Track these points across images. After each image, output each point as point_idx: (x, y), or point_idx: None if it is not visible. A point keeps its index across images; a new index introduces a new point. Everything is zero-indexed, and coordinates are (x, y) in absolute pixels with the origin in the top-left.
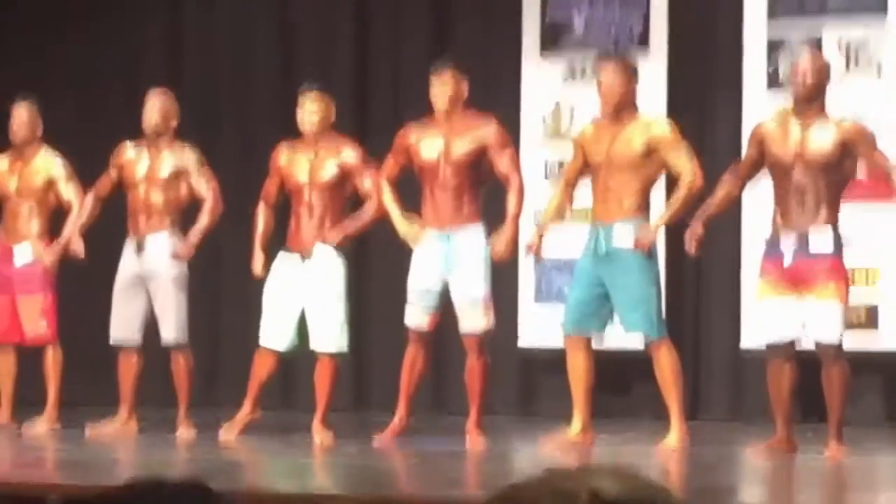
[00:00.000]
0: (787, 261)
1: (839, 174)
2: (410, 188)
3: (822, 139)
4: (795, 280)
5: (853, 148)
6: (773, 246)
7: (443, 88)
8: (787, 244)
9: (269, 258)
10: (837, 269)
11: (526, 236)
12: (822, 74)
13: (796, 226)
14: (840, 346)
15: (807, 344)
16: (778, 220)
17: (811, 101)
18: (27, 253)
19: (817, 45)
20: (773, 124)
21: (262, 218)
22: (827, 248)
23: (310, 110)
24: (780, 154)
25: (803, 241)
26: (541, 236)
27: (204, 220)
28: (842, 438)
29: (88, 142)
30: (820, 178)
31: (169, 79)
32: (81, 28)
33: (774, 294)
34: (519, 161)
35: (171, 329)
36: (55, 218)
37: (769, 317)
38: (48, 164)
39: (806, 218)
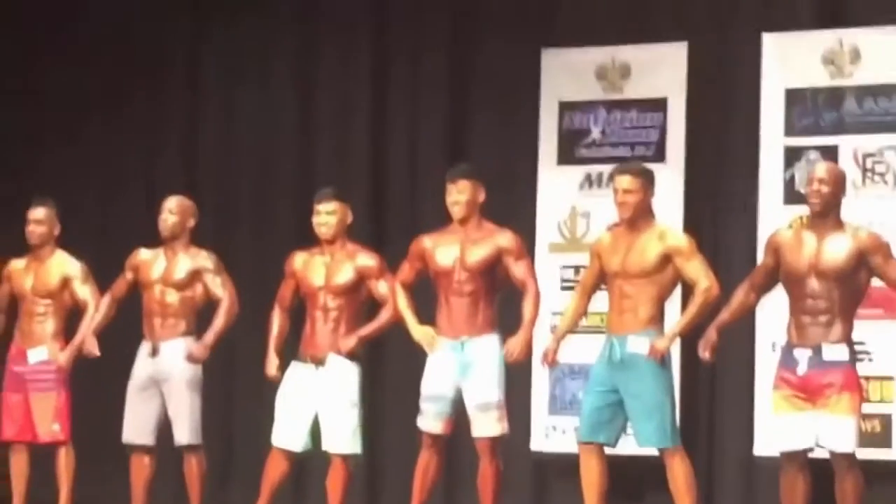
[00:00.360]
0: (802, 369)
1: (854, 285)
2: (426, 297)
3: (836, 249)
4: (809, 390)
5: (868, 258)
6: (787, 357)
7: (458, 196)
8: (801, 354)
9: (283, 362)
10: (851, 380)
11: (540, 344)
12: (838, 185)
13: (810, 338)
14: (853, 456)
15: (820, 453)
16: (792, 332)
17: (827, 211)
18: (42, 352)
19: (834, 155)
20: (789, 233)
21: (276, 321)
22: (842, 356)
23: (326, 214)
24: (794, 264)
25: (817, 352)
26: (558, 343)
27: (220, 321)
28: None
29: (106, 245)
30: (834, 289)
31: (186, 183)
32: (100, 131)
33: (789, 406)
34: (534, 269)
35: (185, 431)
36: (70, 318)
37: (783, 428)
38: (63, 265)
39: (820, 331)
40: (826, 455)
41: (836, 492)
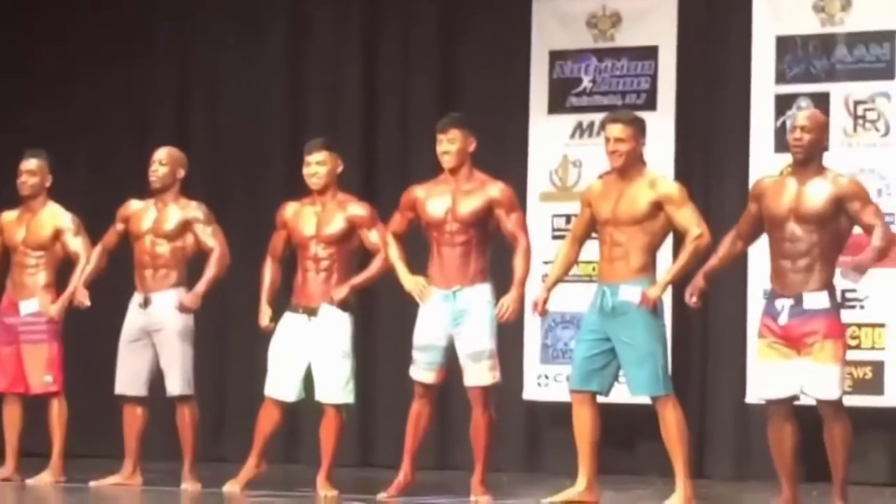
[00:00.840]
0: (783, 319)
1: (834, 230)
2: (418, 248)
3: (815, 194)
4: (792, 339)
5: (846, 204)
6: (769, 306)
7: (449, 145)
8: (782, 303)
9: (276, 312)
10: (834, 327)
11: (532, 293)
12: (820, 131)
13: (791, 286)
14: (839, 403)
15: (807, 400)
16: (774, 279)
17: (809, 158)
18: (33, 304)
19: (825, 102)
20: (772, 180)
21: (268, 272)
22: (822, 304)
23: (316, 165)
24: (774, 208)
25: (798, 301)
26: (548, 292)
27: (211, 270)
28: (846, 498)
29: (97, 196)
30: (813, 233)
31: (177, 134)
32: (91, 83)
33: (773, 353)
34: (526, 222)
35: (177, 382)
36: (62, 270)
37: (768, 376)
38: (55, 217)
39: (800, 277)
40: (811, 402)
41: (824, 439)
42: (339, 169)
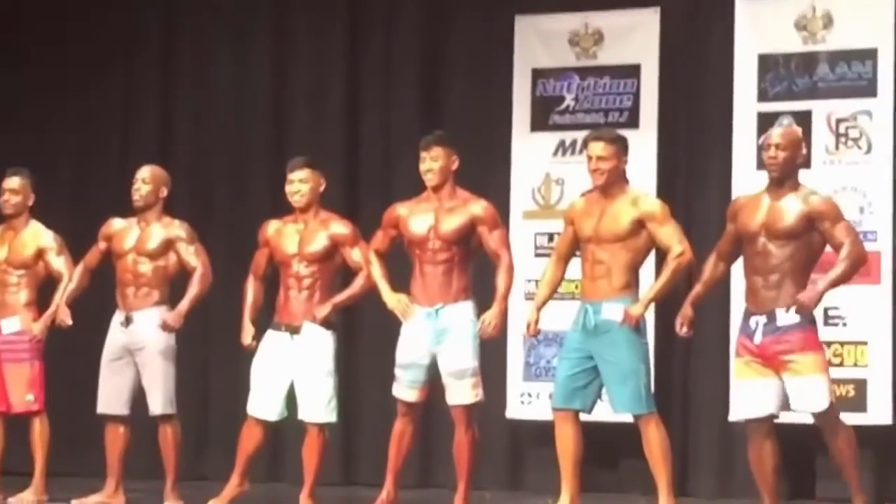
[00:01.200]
0: (758, 337)
1: (805, 248)
2: (401, 266)
3: (787, 210)
4: (768, 357)
5: (817, 223)
6: (744, 324)
7: (432, 163)
8: (756, 320)
9: (258, 330)
10: (810, 340)
11: (515, 311)
12: (795, 149)
13: (763, 303)
14: (834, 411)
15: (786, 418)
16: (749, 297)
17: (784, 176)
18: (15, 322)
19: (807, 120)
20: (748, 198)
21: (250, 290)
22: (793, 320)
23: (298, 183)
24: (747, 224)
25: (771, 318)
26: (538, 312)
27: (194, 289)
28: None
29: (80, 215)
30: (784, 248)
31: (160, 152)
32: (74, 101)
33: (750, 372)
34: (508, 239)
35: (159, 400)
36: (44, 289)
37: (746, 395)
38: (38, 235)
39: (772, 294)
40: (793, 420)
41: (831, 453)
42: (322, 187)
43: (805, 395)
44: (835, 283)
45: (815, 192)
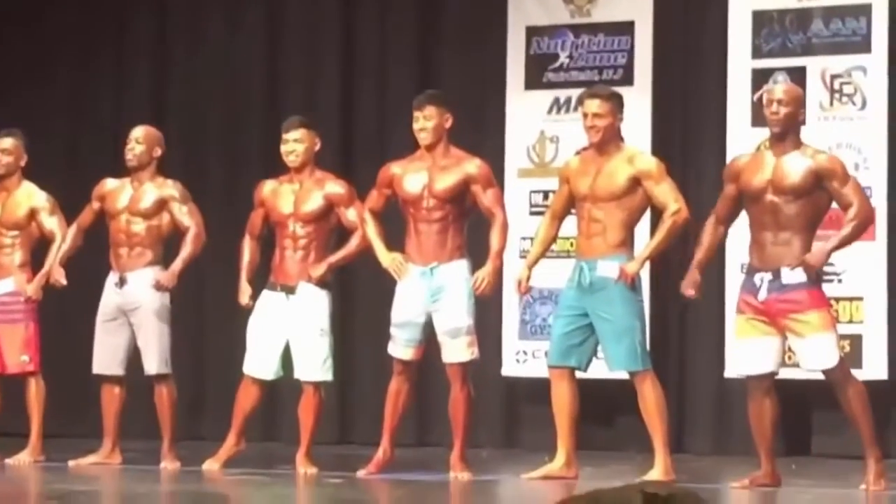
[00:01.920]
0: (762, 294)
1: (812, 204)
2: (396, 225)
3: (793, 167)
4: (771, 314)
5: (824, 181)
6: (748, 281)
7: (425, 122)
8: (761, 277)
9: (255, 290)
10: (816, 298)
11: (510, 269)
12: (797, 105)
13: (770, 260)
14: (844, 367)
15: (784, 374)
16: (753, 254)
17: (786, 131)
18: (9, 283)
19: (801, 76)
20: (747, 157)
21: (247, 249)
22: (799, 279)
23: (293, 143)
24: (752, 182)
25: (776, 275)
26: (530, 270)
27: (187, 248)
28: (880, 457)
29: (73, 175)
30: (791, 206)
31: (154, 113)
32: (68, 64)
33: (752, 329)
34: (503, 198)
35: (154, 360)
36: (37, 250)
37: (747, 353)
38: (31, 196)
39: (779, 251)
40: (792, 376)
41: (842, 406)
42: (317, 147)
43: (814, 354)
44: (843, 244)
45: (820, 151)
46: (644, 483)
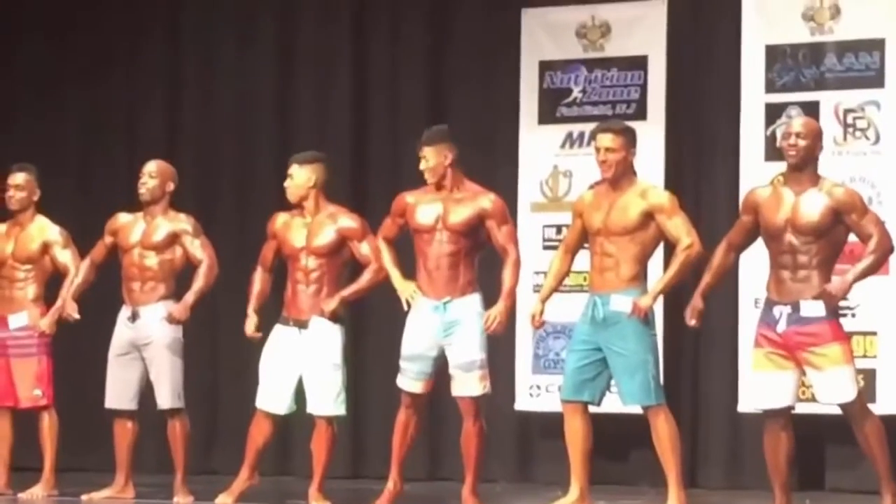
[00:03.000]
0: (781, 326)
1: (831, 240)
2: (409, 260)
3: (812, 205)
4: (790, 347)
5: (843, 216)
6: (766, 314)
7: (424, 163)
8: (780, 310)
9: (263, 322)
10: (836, 331)
11: (523, 303)
12: (815, 139)
13: (789, 294)
14: (861, 401)
15: (798, 409)
16: (772, 288)
17: (804, 164)
18: (22, 317)
19: (815, 111)
20: (767, 191)
21: (258, 280)
22: (819, 312)
23: (288, 179)
24: (772, 220)
25: (795, 308)
26: (543, 304)
27: (199, 281)
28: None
29: (87, 210)
30: (811, 244)
31: (167, 146)
32: (80, 94)
33: (769, 363)
34: (516, 234)
35: (167, 395)
36: (50, 284)
37: (764, 386)
38: (44, 230)
39: (799, 286)
40: (806, 410)
41: (858, 441)
42: (322, 182)
43: (832, 387)
44: (864, 275)
45: (837, 184)
46: None
